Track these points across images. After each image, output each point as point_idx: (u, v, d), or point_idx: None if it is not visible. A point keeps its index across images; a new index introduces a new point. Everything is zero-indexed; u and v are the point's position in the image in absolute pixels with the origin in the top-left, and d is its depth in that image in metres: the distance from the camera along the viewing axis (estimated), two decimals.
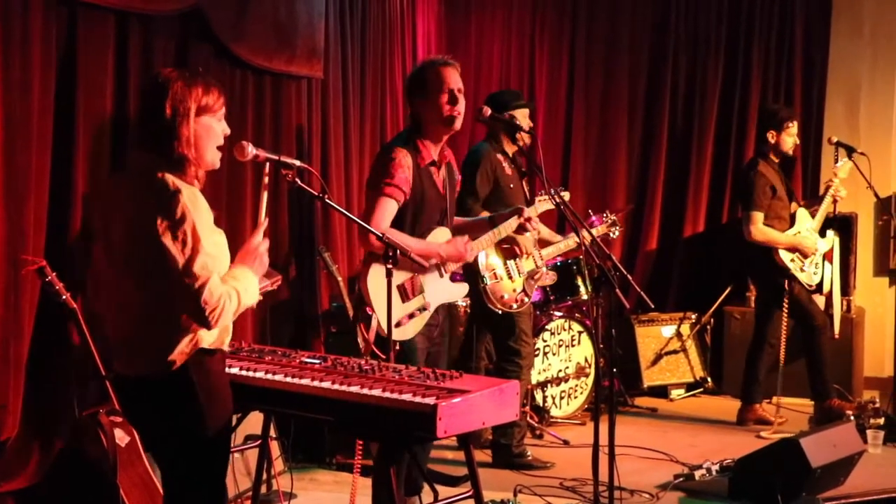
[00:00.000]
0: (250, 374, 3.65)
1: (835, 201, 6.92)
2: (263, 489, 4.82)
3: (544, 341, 6.74)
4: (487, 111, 4.48)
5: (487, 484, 4.18)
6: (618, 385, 7.32)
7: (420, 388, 3.35)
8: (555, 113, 8.64)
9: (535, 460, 5.84)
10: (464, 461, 3.73)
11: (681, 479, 5.50)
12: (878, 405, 6.56)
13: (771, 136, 6.75)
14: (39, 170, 4.63)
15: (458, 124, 4.46)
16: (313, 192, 3.74)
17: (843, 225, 7.60)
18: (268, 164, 3.48)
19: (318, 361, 3.76)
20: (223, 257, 3.13)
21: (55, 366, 4.70)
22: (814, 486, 5.04)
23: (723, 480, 5.35)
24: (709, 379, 8.02)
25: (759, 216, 6.58)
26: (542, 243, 6.04)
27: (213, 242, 3.07)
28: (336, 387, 3.46)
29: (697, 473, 5.49)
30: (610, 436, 4.21)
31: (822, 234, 6.89)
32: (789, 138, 6.77)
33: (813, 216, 6.85)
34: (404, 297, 4.34)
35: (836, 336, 7.03)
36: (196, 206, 3.04)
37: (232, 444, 3.45)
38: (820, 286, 7.00)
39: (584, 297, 6.73)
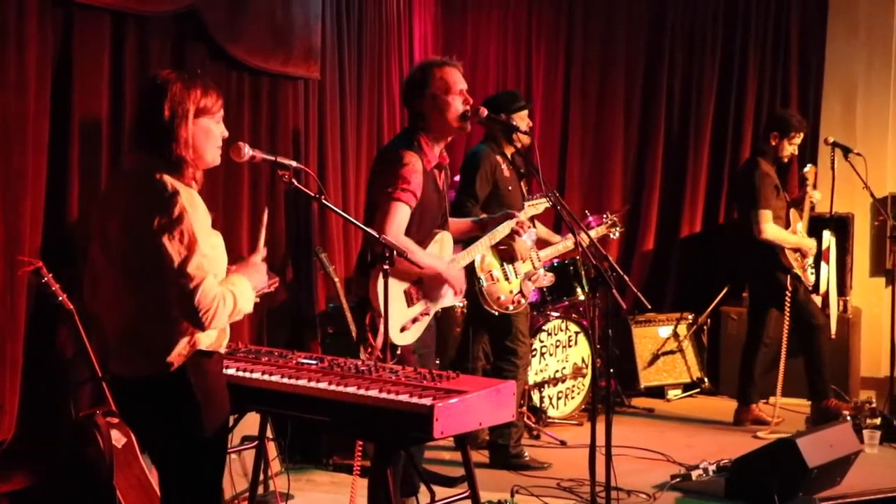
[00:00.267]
0: (247, 374, 3.64)
1: (812, 204, 6.94)
2: (260, 490, 4.82)
3: (541, 342, 6.74)
4: (484, 112, 4.46)
5: (484, 484, 4.18)
6: (614, 385, 7.32)
7: (417, 389, 3.35)
8: (551, 114, 8.65)
9: (532, 461, 5.84)
10: (461, 462, 3.73)
11: (678, 479, 5.50)
12: (874, 405, 6.57)
13: (774, 139, 6.76)
14: (35, 171, 4.63)
15: (469, 125, 4.47)
16: (310, 192, 3.74)
17: (839, 225, 7.61)
18: (266, 210, 3.50)
19: (314, 362, 3.76)
20: (220, 259, 3.13)
21: (52, 367, 4.70)
22: (810, 486, 5.04)
23: (719, 481, 5.36)
24: (705, 379, 8.02)
25: (768, 214, 6.59)
26: (540, 244, 6.05)
27: (210, 244, 3.07)
28: (333, 387, 3.46)
29: (694, 474, 5.49)
30: (607, 436, 4.22)
31: (810, 234, 6.90)
32: (790, 147, 6.77)
33: (800, 216, 6.87)
34: (409, 301, 4.34)
35: (833, 336, 7.04)
36: (194, 207, 3.04)
37: (229, 445, 3.46)
38: (816, 286, 7.02)
39: (581, 297, 6.73)
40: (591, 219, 6.48)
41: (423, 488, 4.37)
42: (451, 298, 4.60)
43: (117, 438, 4.25)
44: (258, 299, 3.33)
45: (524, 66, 8.69)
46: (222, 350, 3.26)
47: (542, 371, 6.76)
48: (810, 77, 8.29)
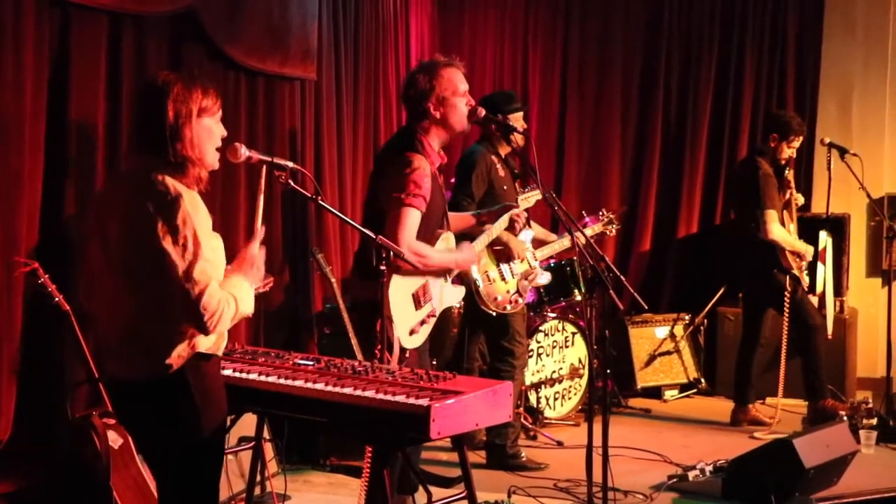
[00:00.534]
0: (244, 375, 3.64)
1: (796, 205, 6.96)
2: (257, 491, 4.82)
3: (538, 342, 6.74)
4: (482, 112, 4.47)
5: (481, 485, 4.18)
6: (611, 386, 7.32)
7: (413, 390, 3.35)
8: (548, 114, 8.65)
9: (528, 461, 5.84)
10: (457, 462, 3.73)
11: (674, 479, 5.51)
12: (870, 405, 6.57)
13: (773, 141, 6.76)
14: (32, 171, 4.63)
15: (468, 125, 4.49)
16: (306, 193, 3.74)
17: (835, 226, 7.62)
18: (263, 168, 3.49)
19: (311, 363, 3.76)
20: (220, 262, 3.13)
21: (48, 368, 4.69)
22: (807, 487, 5.05)
23: (716, 481, 5.36)
24: (702, 380, 8.02)
25: (775, 215, 6.59)
26: (537, 243, 6.05)
27: (211, 247, 3.07)
28: (329, 388, 3.45)
29: (691, 474, 5.49)
30: (604, 437, 4.22)
31: (803, 235, 6.90)
32: (789, 150, 6.78)
33: (791, 218, 6.88)
34: (417, 304, 4.35)
35: (830, 337, 7.05)
36: (196, 210, 3.04)
37: (225, 446, 3.45)
38: (812, 287, 7.02)
39: (578, 298, 6.74)
40: (587, 219, 6.49)
41: (419, 489, 4.37)
42: (452, 298, 4.60)
43: (114, 439, 4.25)
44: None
45: (521, 66, 8.68)
46: (220, 353, 3.26)
47: (538, 372, 6.76)
48: (807, 77, 8.30)
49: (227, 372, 3.62)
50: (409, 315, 4.30)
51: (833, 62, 8.25)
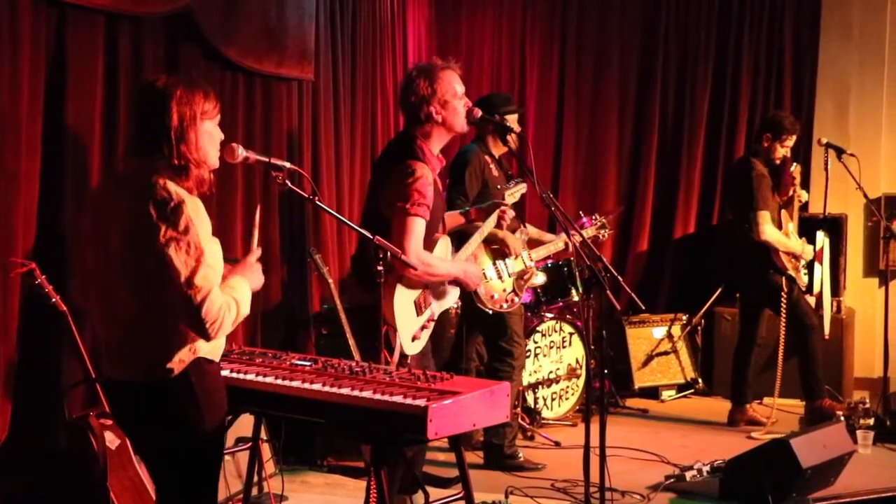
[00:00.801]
0: (241, 376, 3.64)
1: (800, 203, 6.97)
2: (254, 491, 4.82)
3: (535, 343, 6.74)
4: (478, 112, 4.47)
5: (479, 485, 4.18)
6: (609, 386, 7.32)
7: (411, 390, 3.35)
8: (545, 114, 8.65)
9: (526, 461, 5.85)
10: (455, 463, 3.73)
11: (672, 479, 5.51)
12: (868, 406, 6.57)
13: (766, 141, 6.77)
14: (29, 172, 4.62)
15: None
16: (304, 194, 3.74)
17: (832, 226, 7.62)
18: (258, 207, 3.49)
19: (308, 363, 3.76)
20: (220, 267, 3.13)
21: (45, 368, 4.69)
22: (804, 487, 5.05)
23: (713, 481, 5.36)
24: (700, 380, 8.03)
25: (768, 216, 6.60)
26: (532, 244, 6.05)
27: (212, 252, 3.07)
28: (327, 389, 3.45)
29: (688, 474, 5.50)
30: (601, 437, 4.22)
31: (802, 234, 6.91)
32: (782, 149, 6.79)
33: (790, 217, 6.89)
34: (419, 311, 4.35)
35: (827, 337, 7.05)
36: (198, 216, 3.05)
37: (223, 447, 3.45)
38: (809, 287, 7.03)
39: (575, 298, 6.74)
40: (584, 219, 6.49)
41: (418, 489, 4.38)
42: (449, 300, 4.60)
43: (111, 440, 4.24)
44: None
45: (518, 66, 8.68)
46: (219, 357, 3.26)
47: (536, 372, 6.76)
48: (804, 78, 8.31)
49: (225, 372, 3.61)
50: (411, 322, 4.31)
51: (830, 63, 8.26)
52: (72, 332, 4.28)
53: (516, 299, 5.71)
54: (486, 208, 5.09)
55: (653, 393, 7.86)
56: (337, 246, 6.82)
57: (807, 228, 7.06)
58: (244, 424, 4.46)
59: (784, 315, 6.64)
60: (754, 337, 6.91)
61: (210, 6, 5.57)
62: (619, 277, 4.35)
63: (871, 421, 6.36)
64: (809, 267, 7.00)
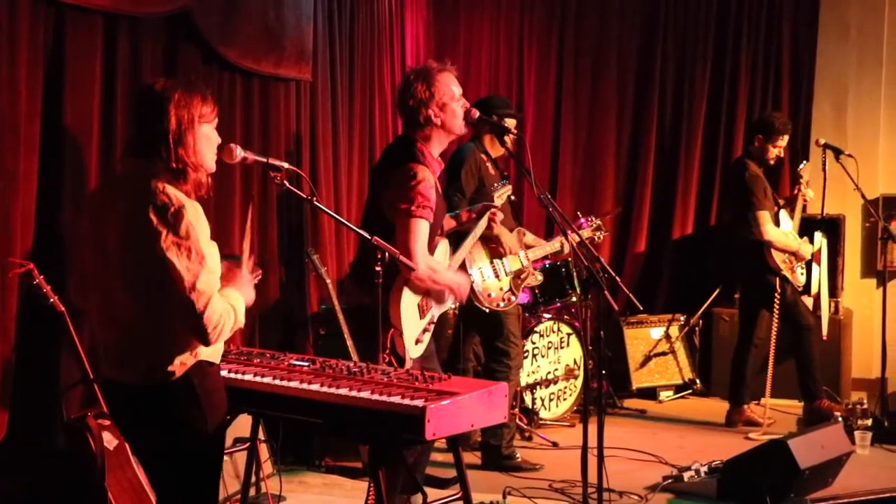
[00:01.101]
0: (239, 376, 3.64)
1: (804, 203, 6.98)
2: (252, 492, 4.82)
3: (533, 343, 6.75)
4: (476, 113, 4.47)
5: (476, 486, 4.18)
6: (606, 387, 7.32)
7: (409, 391, 3.35)
8: (543, 115, 8.65)
9: (524, 462, 5.85)
10: (453, 463, 3.73)
11: (669, 480, 5.51)
12: (865, 406, 6.58)
13: (758, 141, 6.79)
14: (27, 172, 4.62)
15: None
16: (302, 194, 3.74)
17: (830, 227, 7.62)
18: (251, 209, 3.50)
19: (306, 364, 3.76)
20: (219, 271, 3.14)
21: (43, 369, 4.69)
22: (802, 488, 5.06)
23: (711, 482, 5.36)
24: (697, 380, 8.04)
25: (767, 215, 6.61)
26: (527, 246, 6.05)
27: (211, 255, 3.08)
28: (325, 389, 3.45)
29: (686, 475, 5.50)
30: (599, 437, 4.22)
31: (801, 234, 6.92)
32: (774, 150, 6.80)
33: (791, 217, 6.89)
34: (421, 313, 4.35)
35: (825, 338, 7.06)
36: (198, 221, 3.05)
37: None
38: (807, 288, 7.03)
39: (574, 299, 6.74)
40: (583, 220, 6.49)
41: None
42: (448, 303, 4.61)
43: (109, 440, 4.23)
44: None
45: (516, 67, 8.69)
46: (219, 360, 3.27)
47: (533, 373, 6.76)
48: (801, 78, 8.32)
49: (223, 373, 3.61)
50: (415, 325, 4.31)
51: (828, 63, 8.26)
52: (70, 333, 4.27)
53: (513, 298, 5.71)
54: (477, 210, 5.10)
55: (651, 393, 7.86)
56: (335, 246, 6.82)
57: (805, 229, 7.06)
58: (242, 425, 4.46)
59: (777, 315, 6.64)
60: (753, 337, 6.91)
61: (208, 7, 5.57)
62: (617, 278, 4.35)
63: (869, 422, 6.37)
64: (807, 267, 7.00)
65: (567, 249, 6.13)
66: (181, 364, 3.09)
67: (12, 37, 4.51)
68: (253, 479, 4.72)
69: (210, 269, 3.03)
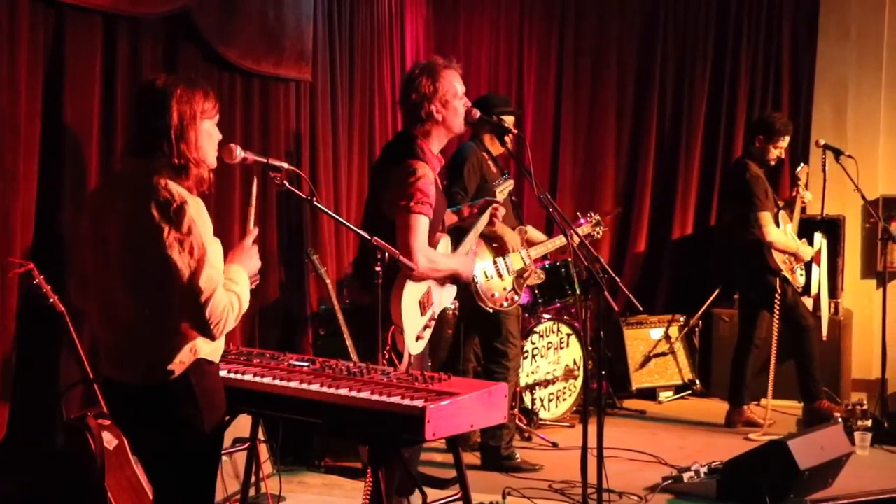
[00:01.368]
0: (239, 377, 3.64)
1: (803, 205, 6.98)
2: (252, 492, 4.82)
3: (532, 343, 6.74)
4: (476, 113, 4.47)
5: (476, 486, 4.18)
6: (606, 387, 7.32)
7: (408, 391, 3.35)
8: (543, 116, 8.66)
9: (523, 462, 5.85)
10: (452, 463, 3.73)
11: (669, 481, 5.51)
12: (865, 407, 6.58)
13: (759, 142, 6.79)
14: (27, 172, 4.62)
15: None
16: (301, 194, 3.74)
17: (830, 227, 7.63)
18: (255, 183, 3.49)
19: (306, 364, 3.76)
20: (221, 267, 3.13)
21: (43, 369, 4.68)
22: (802, 488, 5.06)
23: (711, 482, 5.36)
24: (697, 381, 8.04)
25: (769, 217, 6.61)
26: (529, 244, 6.05)
27: (214, 252, 3.08)
28: (325, 389, 3.45)
29: (686, 475, 5.50)
30: (598, 438, 4.22)
31: (801, 235, 6.93)
32: (775, 150, 6.81)
33: (790, 219, 6.89)
34: (423, 309, 4.34)
35: (825, 338, 7.06)
36: (201, 217, 3.05)
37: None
38: (807, 288, 7.03)
39: (573, 299, 6.74)
40: (582, 221, 6.49)
41: (415, 490, 4.37)
42: (447, 299, 4.61)
43: (108, 440, 4.24)
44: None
45: (516, 67, 8.69)
46: (219, 358, 3.27)
47: (533, 373, 6.76)
48: (801, 79, 8.32)
49: (223, 373, 3.61)
50: (416, 321, 4.31)
51: (828, 64, 8.26)
52: (70, 333, 4.27)
53: (516, 298, 5.72)
54: (479, 206, 5.09)
55: (650, 394, 7.86)
56: (335, 246, 6.82)
57: (805, 230, 7.07)
58: (242, 425, 4.46)
59: (777, 316, 6.64)
60: (752, 338, 6.91)
61: (208, 7, 5.57)
62: (617, 278, 4.35)
63: (869, 422, 6.37)
64: (807, 268, 7.01)
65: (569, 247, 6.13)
66: (180, 363, 3.09)
67: (12, 37, 4.51)
68: (253, 479, 4.72)
69: (212, 265, 3.03)
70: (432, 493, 4.00)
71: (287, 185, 3.60)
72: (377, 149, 7.23)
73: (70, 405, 4.50)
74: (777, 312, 6.64)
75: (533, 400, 6.72)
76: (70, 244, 4.75)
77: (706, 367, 8.06)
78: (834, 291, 7.73)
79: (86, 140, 4.92)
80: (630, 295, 4.41)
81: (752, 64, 8.38)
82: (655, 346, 7.96)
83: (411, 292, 4.25)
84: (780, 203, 6.93)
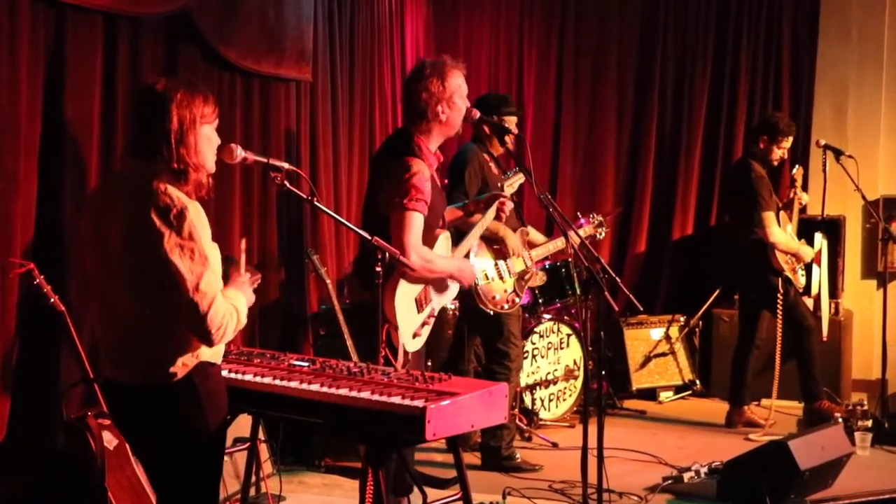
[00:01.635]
0: (239, 376, 3.64)
1: (801, 206, 6.98)
2: (252, 492, 4.82)
3: (533, 344, 6.74)
4: (476, 113, 4.46)
5: (476, 486, 4.18)
6: (606, 387, 7.32)
7: (409, 391, 3.35)
8: (543, 115, 8.66)
9: (523, 463, 5.85)
10: (452, 464, 3.73)
11: (669, 481, 5.51)
12: (865, 407, 6.57)
13: (762, 143, 6.79)
14: (27, 172, 4.62)
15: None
16: (302, 194, 3.74)
17: (830, 228, 7.63)
18: (244, 240, 3.50)
19: (306, 364, 3.76)
20: (220, 272, 3.14)
21: (43, 369, 4.69)
22: (802, 489, 5.05)
23: (711, 483, 5.36)
24: (697, 381, 8.04)
25: (773, 217, 6.61)
26: (531, 245, 6.05)
27: (213, 257, 3.08)
28: (325, 389, 3.45)
29: (686, 476, 5.50)
30: (599, 438, 4.22)
31: (801, 236, 6.93)
32: (778, 151, 6.80)
33: (789, 220, 6.89)
34: (419, 307, 4.34)
35: (825, 339, 7.05)
36: (200, 222, 3.05)
37: None
38: (807, 289, 7.03)
39: (573, 299, 6.73)
40: (582, 221, 6.49)
41: (415, 490, 4.37)
42: (447, 298, 4.61)
43: (109, 440, 4.23)
44: None
45: (516, 67, 8.69)
46: (220, 361, 3.27)
47: (533, 373, 6.76)
48: (802, 79, 8.32)
49: (223, 373, 3.62)
50: (412, 319, 4.30)
51: (828, 64, 8.26)
52: (70, 333, 4.27)
53: (517, 300, 5.72)
54: (485, 200, 5.09)
55: (650, 394, 7.86)
56: (335, 246, 6.82)
57: (805, 230, 7.07)
58: (242, 425, 4.46)
59: (780, 316, 6.64)
60: (753, 338, 6.91)
61: (208, 7, 5.57)
62: (617, 279, 4.35)
63: (870, 423, 6.36)
64: (808, 269, 7.00)
65: (569, 248, 6.13)
66: (183, 365, 3.09)
67: (12, 37, 4.51)
68: (253, 479, 4.73)
69: (213, 270, 3.03)
70: (432, 493, 4.00)
71: (287, 185, 3.59)
72: (377, 149, 7.23)
73: (70, 405, 4.49)
74: (780, 312, 6.63)
75: (533, 400, 6.72)
76: (70, 244, 4.75)
77: (706, 367, 8.06)
78: (834, 292, 7.73)
79: (86, 140, 4.92)
80: (630, 295, 4.41)
81: (753, 64, 8.38)
82: (656, 347, 7.95)
83: (406, 289, 4.25)
84: (780, 204, 6.93)
